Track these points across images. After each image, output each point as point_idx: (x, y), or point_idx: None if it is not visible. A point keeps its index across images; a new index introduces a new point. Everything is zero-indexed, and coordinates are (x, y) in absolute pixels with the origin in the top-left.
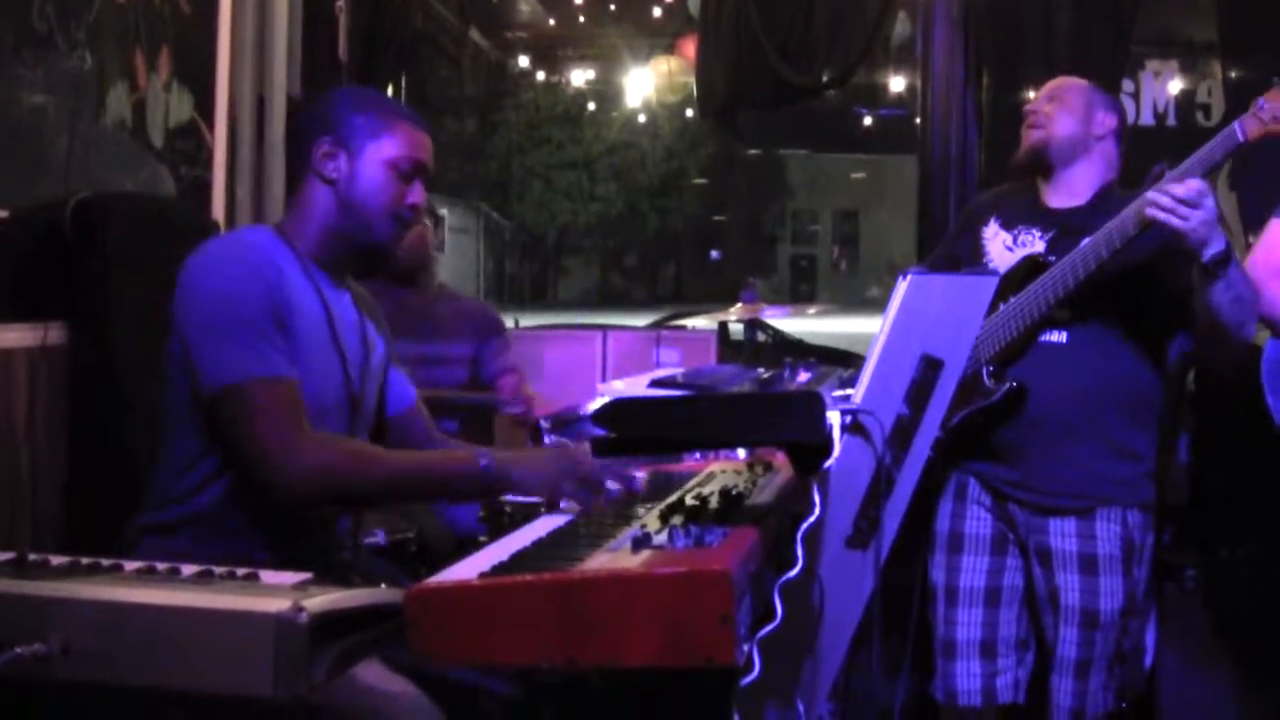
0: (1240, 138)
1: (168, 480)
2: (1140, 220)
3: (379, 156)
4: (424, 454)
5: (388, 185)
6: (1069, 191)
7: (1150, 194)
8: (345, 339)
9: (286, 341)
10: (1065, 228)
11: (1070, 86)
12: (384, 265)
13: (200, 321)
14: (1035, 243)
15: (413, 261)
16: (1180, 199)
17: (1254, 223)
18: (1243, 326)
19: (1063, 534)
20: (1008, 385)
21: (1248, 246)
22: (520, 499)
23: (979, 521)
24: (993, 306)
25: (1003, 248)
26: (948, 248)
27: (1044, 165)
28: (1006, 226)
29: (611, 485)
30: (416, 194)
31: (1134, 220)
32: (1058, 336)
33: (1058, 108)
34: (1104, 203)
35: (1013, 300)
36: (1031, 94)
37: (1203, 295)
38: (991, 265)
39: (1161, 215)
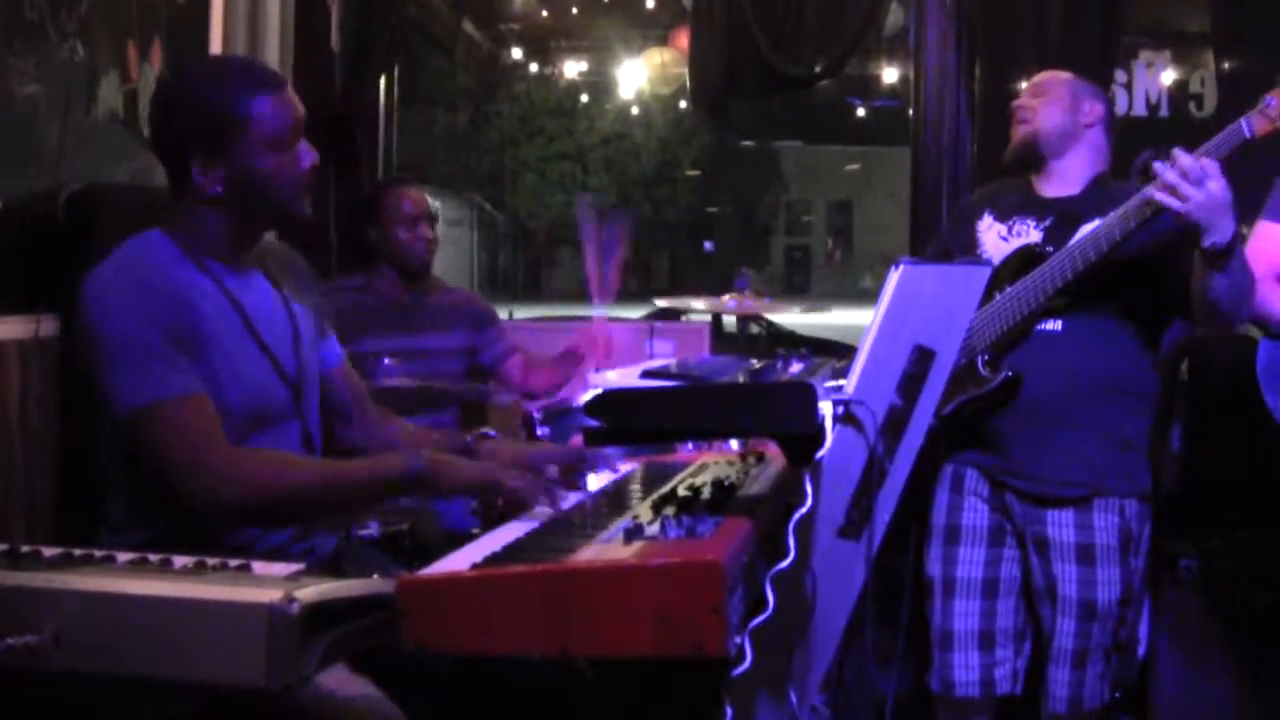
0: (1247, 134)
1: (117, 510)
2: (1141, 213)
3: (253, 145)
4: (351, 461)
5: (275, 169)
6: (1062, 181)
7: (1158, 166)
8: (264, 328)
9: (197, 356)
10: (1060, 217)
11: (1054, 79)
12: (296, 223)
13: (101, 352)
14: (1030, 232)
15: (424, 263)
16: (1183, 172)
17: (1247, 216)
18: (1237, 312)
19: (1060, 524)
20: (1003, 374)
21: (1241, 240)
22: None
23: (976, 513)
24: (988, 296)
25: (997, 239)
26: (941, 243)
27: (1035, 158)
28: (1001, 218)
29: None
30: (307, 155)
31: (1134, 213)
32: (1053, 325)
33: (1043, 101)
34: (1097, 191)
35: (1008, 290)
36: (1024, 84)
37: (1200, 280)
38: (986, 258)
39: (1160, 195)
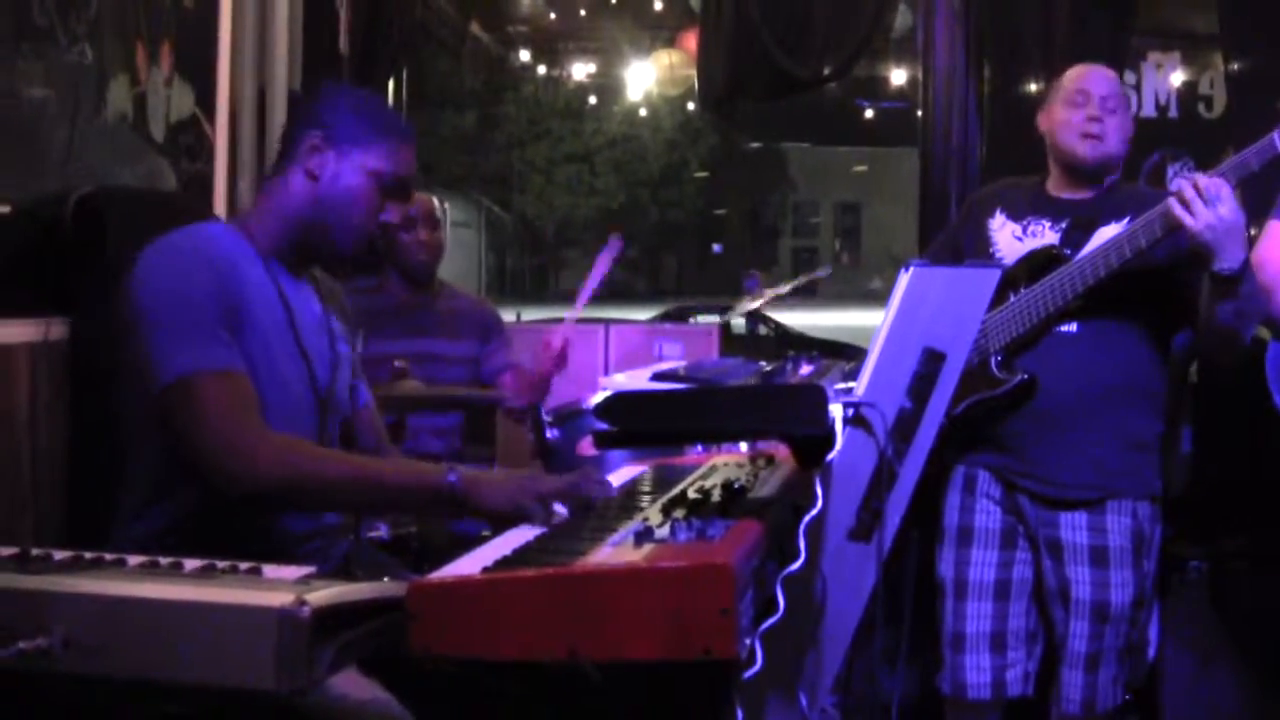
0: (1279, 148)
1: (132, 495)
2: (1166, 222)
3: (364, 164)
4: (387, 461)
5: (366, 196)
6: (1079, 184)
7: (1175, 182)
8: (308, 336)
9: (241, 340)
10: (1077, 220)
11: (1117, 87)
12: (340, 271)
13: (148, 318)
14: (1046, 233)
15: (422, 266)
16: (1198, 191)
17: (1256, 216)
18: (1242, 336)
19: (1073, 527)
20: (1019, 377)
21: (1250, 240)
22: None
23: (988, 515)
24: (1001, 296)
25: (1011, 238)
26: (950, 240)
27: (1099, 175)
28: (1014, 218)
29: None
30: (391, 210)
31: (1160, 222)
32: (1068, 327)
33: (1115, 121)
34: (1112, 194)
35: (1025, 292)
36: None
37: (1208, 302)
38: (1000, 256)
39: (1177, 209)
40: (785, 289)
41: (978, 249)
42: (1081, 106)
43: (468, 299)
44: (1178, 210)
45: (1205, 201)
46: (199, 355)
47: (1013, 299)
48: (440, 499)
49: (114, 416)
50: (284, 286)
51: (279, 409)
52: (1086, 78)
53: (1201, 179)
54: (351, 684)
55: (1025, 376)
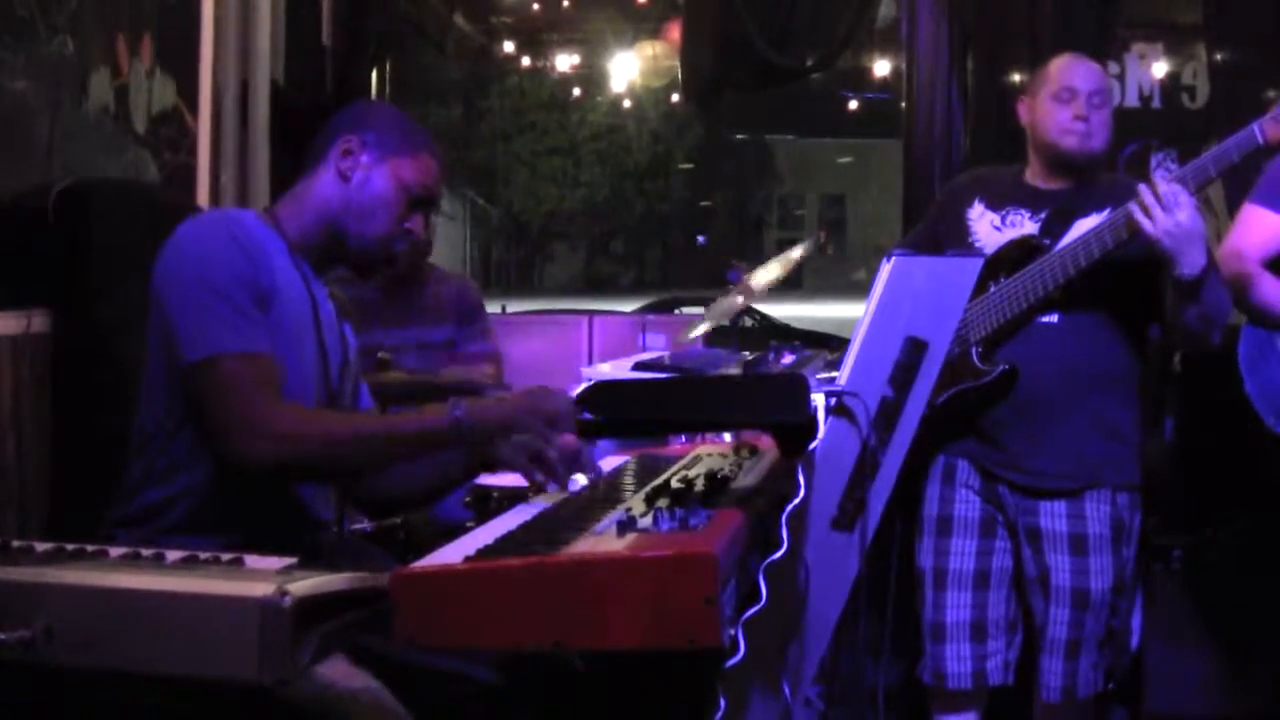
0: (1259, 140)
1: (143, 463)
2: (1129, 225)
3: (398, 173)
4: (394, 415)
5: (395, 203)
6: (1061, 175)
7: (1141, 187)
8: (327, 333)
9: (267, 322)
10: (1057, 210)
11: (1107, 91)
12: (363, 273)
13: (180, 294)
14: (1025, 223)
15: (412, 263)
16: (1155, 199)
17: (1237, 208)
18: (1208, 337)
19: (1052, 515)
20: (1000, 368)
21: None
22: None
23: (967, 504)
24: (983, 287)
25: (990, 228)
26: (928, 228)
27: (1084, 167)
28: (993, 207)
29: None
30: (416, 222)
31: (1125, 223)
32: (1048, 318)
33: (1102, 115)
34: (1091, 184)
35: (1005, 282)
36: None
37: (1171, 305)
38: (979, 246)
39: (1137, 214)
40: (769, 275)
41: (956, 238)
42: (1068, 103)
43: (452, 285)
44: (1138, 215)
45: (1164, 208)
46: (226, 336)
47: (993, 289)
48: (448, 434)
49: (99, 406)
50: (311, 282)
51: (292, 397)
52: (1073, 73)
53: (1162, 185)
54: (342, 673)
55: (1006, 367)
